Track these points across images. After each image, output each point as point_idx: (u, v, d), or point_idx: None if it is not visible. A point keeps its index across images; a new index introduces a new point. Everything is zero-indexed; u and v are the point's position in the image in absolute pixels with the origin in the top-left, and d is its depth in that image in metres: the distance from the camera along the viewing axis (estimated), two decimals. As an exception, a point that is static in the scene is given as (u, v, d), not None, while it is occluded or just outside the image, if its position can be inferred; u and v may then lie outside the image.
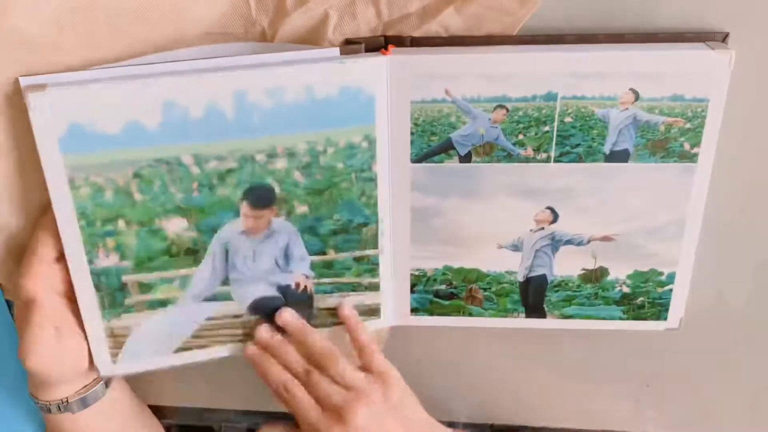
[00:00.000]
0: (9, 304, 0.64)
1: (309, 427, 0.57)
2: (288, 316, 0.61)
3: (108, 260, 0.56)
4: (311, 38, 0.55)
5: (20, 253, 0.57)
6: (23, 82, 0.50)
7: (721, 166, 0.57)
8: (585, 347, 0.68)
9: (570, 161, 0.57)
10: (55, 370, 0.57)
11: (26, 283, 0.56)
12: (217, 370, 0.71)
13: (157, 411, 0.73)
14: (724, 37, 0.54)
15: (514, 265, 0.62)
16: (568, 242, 0.60)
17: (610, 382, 0.70)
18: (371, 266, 0.61)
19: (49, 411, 0.60)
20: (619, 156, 0.57)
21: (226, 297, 0.60)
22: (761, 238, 0.61)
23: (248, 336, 0.62)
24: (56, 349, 0.57)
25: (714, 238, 0.60)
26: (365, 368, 0.59)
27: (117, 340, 0.59)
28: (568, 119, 0.56)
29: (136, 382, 0.68)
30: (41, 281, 0.56)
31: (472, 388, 0.71)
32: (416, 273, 0.63)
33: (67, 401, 0.60)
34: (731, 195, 0.60)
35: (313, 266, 0.60)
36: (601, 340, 0.67)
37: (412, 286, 0.63)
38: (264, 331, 0.61)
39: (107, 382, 0.63)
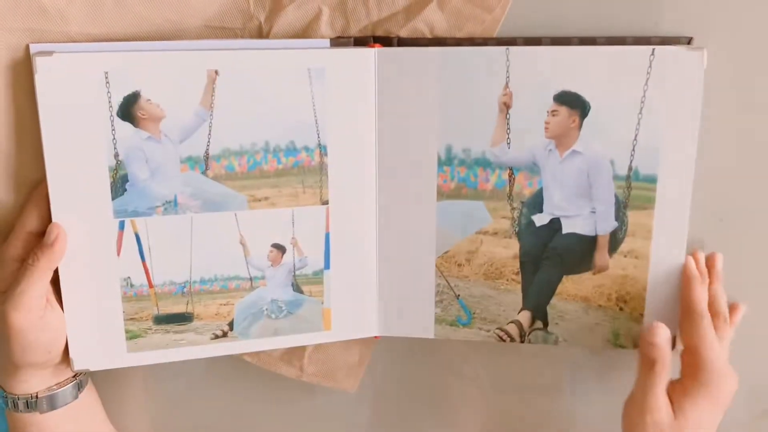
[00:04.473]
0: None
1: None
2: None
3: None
4: (304, 35, 0.58)
5: (7, 234, 0.58)
6: (33, 48, 0.53)
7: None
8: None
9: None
10: (35, 335, 0.55)
11: (2, 250, 0.56)
12: (190, 402, 0.70)
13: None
14: (688, 41, 0.58)
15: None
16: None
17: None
18: None
19: (16, 407, 0.59)
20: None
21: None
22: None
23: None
24: (42, 314, 0.56)
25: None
26: None
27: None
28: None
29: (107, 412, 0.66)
30: (20, 251, 0.56)
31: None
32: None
33: (36, 397, 0.58)
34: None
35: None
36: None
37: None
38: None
39: (80, 385, 0.61)
